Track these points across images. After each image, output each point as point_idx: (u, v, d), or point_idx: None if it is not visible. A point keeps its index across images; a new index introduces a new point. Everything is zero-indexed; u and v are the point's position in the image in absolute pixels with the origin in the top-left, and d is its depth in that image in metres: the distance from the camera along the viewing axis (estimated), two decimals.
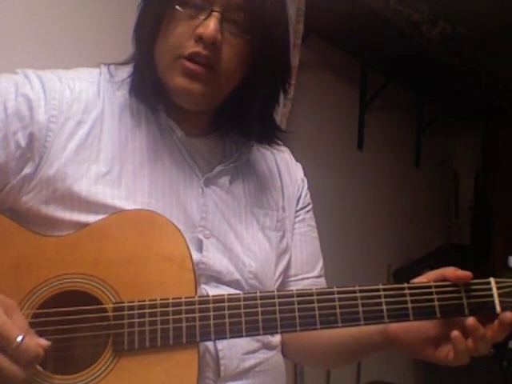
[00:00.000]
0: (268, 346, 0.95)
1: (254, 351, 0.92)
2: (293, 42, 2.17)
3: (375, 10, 2.52)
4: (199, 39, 0.83)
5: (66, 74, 0.90)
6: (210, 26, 0.82)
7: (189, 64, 0.84)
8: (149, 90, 0.89)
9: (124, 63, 0.93)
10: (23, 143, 0.83)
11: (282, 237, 1.00)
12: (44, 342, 0.72)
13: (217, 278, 0.89)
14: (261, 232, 0.97)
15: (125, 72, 0.92)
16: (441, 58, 3.16)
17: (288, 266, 1.02)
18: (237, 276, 0.91)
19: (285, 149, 1.08)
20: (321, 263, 1.08)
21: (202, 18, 0.83)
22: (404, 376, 3.61)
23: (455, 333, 0.82)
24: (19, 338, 0.69)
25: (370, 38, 2.77)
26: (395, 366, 3.41)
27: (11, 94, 0.83)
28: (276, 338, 0.98)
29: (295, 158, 1.11)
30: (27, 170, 0.83)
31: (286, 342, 1.01)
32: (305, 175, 1.10)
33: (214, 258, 0.90)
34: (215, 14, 0.82)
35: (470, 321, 0.82)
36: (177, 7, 0.84)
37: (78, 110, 0.86)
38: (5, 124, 0.82)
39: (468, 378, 2.89)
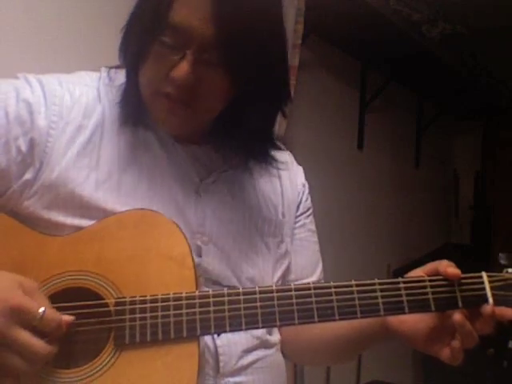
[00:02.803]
0: (266, 345, 0.96)
1: (252, 349, 0.93)
2: (293, 42, 2.18)
3: (375, 10, 2.53)
4: (172, 81, 0.82)
5: (66, 78, 0.90)
6: (183, 69, 0.80)
7: (165, 101, 0.84)
8: (137, 110, 0.89)
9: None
10: (24, 148, 0.83)
11: (280, 242, 1.00)
12: (67, 316, 0.76)
13: (215, 282, 0.90)
14: (259, 238, 0.97)
15: (125, 76, 0.91)
16: (441, 58, 3.16)
17: (288, 271, 1.02)
18: (234, 282, 0.92)
19: (286, 152, 1.08)
20: (320, 267, 1.08)
21: (177, 58, 0.81)
22: (404, 376, 3.62)
23: (455, 343, 0.84)
24: (41, 310, 0.72)
25: (370, 38, 2.78)
26: (395, 365, 3.41)
27: (12, 98, 0.84)
28: (274, 337, 0.98)
29: (295, 159, 1.11)
30: (28, 176, 0.83)
31: (286, 340, 1.01)
32: (305, 175, 1.10)
33: (212, 263, 0.90)
34: (188, 56, 0.80)
35: (457, 317, 0.83)
36: (153, 47, 0.82)
37: (77, 114, 0.87)
38: (6, 129, 0.83)
39: (468, 378, 2.89)
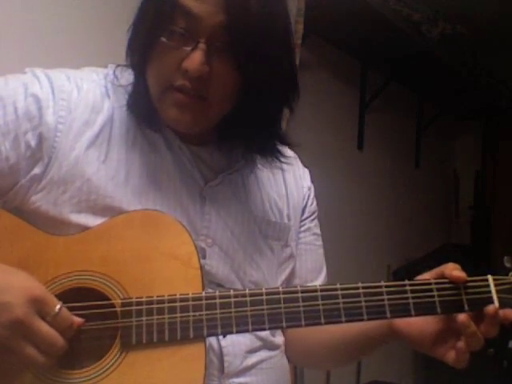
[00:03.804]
0: (270, 346, 0.96)
1: (256, 349, 0.93)
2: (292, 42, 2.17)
3: (375, 10, 2.53)
4: (186, 72, 0.81)
5: (74, 73, 0.90)
6: (196, 59, 0.79)
7: (179, 95, 0.83)
8: (145, 112, 0.88)
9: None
10: (33, 143, 0.83)
11: (285, 246, 1.00)
12: (79, 319, 0.76)
13: (218, 285, 0.90)
14: (263, 241, 0.96)
15: (131, 75, 0.91)
16: (441, 58, 3.16)
17: (292, 275, 1.02)
18: (238, 285, 0.92)
19: (292, 155, 1.07)
20: (324, 271, 1.08)
21: (188, 49, 0.80)
22: (404, 376, 3.62)
23: (460, 344, 0.84)
24: (58, 306, 0.74)
25: (370, 38, 2.78)
26: (395, 365, 3.41)
27: (20, 94, 0.84)
28: (278, 339, 0.98)
29: None
30: (37, 170, 0.83)
31: (291, 343, 1.01)
32: None
33: (216, 266, 0.90)
34: (201, 45, 0.80)
35: (462, 317, 0.83)
36: (162, 39, 0.82)
37: (85, 109, 0.87)
38: (15, 125, 0.83)
39: (468, 377, 2.89)
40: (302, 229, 1.04)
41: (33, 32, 1.57)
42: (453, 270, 0.86)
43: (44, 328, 0.72)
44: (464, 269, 0.87)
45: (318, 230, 1.08)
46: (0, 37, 1.49)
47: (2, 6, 1.50)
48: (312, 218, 1.07)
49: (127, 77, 0.91)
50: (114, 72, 0.92)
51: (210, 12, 0.79)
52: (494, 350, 3.16)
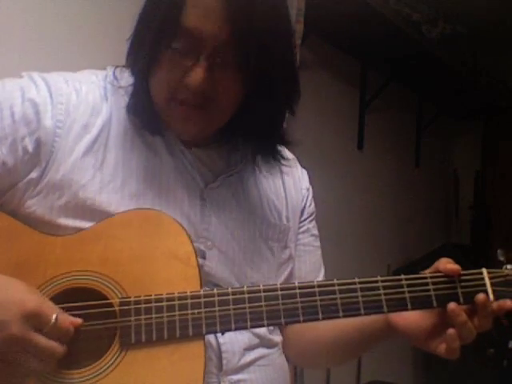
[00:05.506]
0: (268, 344, 0.96)
1: (254, 347, 0.93)
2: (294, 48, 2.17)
3: (375, 10, 2.53)
4: (187, 87, 0.82)
5: (72, 76, 0.90)
6: (197, 76, 0.81)
7: (182, 109, 0.84)
8: (146, 116, 0.89)
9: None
10: (30, 148, 0.83)
11: (284, 247, 1.00)
12: (77, 320, 0.77)
13: (217, 285, 0.90)
14: (263, 242, 0.97)
15: (131, 76, 0.91)
16: (441, 58, 3.16)
17: (291, 276, 1.03)
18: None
19: (291, 157, 1.07)
20: (323, 272, 1.09)
21: (190, 64, 0.81)
22: (404, 376, 3.62)
23: (450, 330, 0.85)
24: (54, 317, 0.74)
25: (370, 38, 2.77)
26: (395, 365, 3.41)
27: (17, 98, 0.84)
28: (275, 337, 0.99)
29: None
30: (33, 174, 0.83)
31: (288, 342, 1.02)
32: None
33: (215, 267, 0.91)
34: (202, 62, 0.81)
35: (451, 306, 0.84)
36: (165, 53, 0.82)
37: (84, 112, 0.87)
38: (12, 129, 0.83)
39: (468, 377, 2.89)
40: (301, 230, 1.05)
41: (33, 33, 1.57)
42: (447, 264, 0.87)
43: (41, 341, 0.73)
44: (464, 269, 0.88)
45: (316, 231, 1.09)
46: (0, 38, 1.49)
47: (3, 7, 1.50)
48: (310, 219, 1.07)
49: (127, 77, 0.91)
50: (114, 73, 0.92)
51: (213, 29, 0.79)
52: (494, 350, 3.16)
